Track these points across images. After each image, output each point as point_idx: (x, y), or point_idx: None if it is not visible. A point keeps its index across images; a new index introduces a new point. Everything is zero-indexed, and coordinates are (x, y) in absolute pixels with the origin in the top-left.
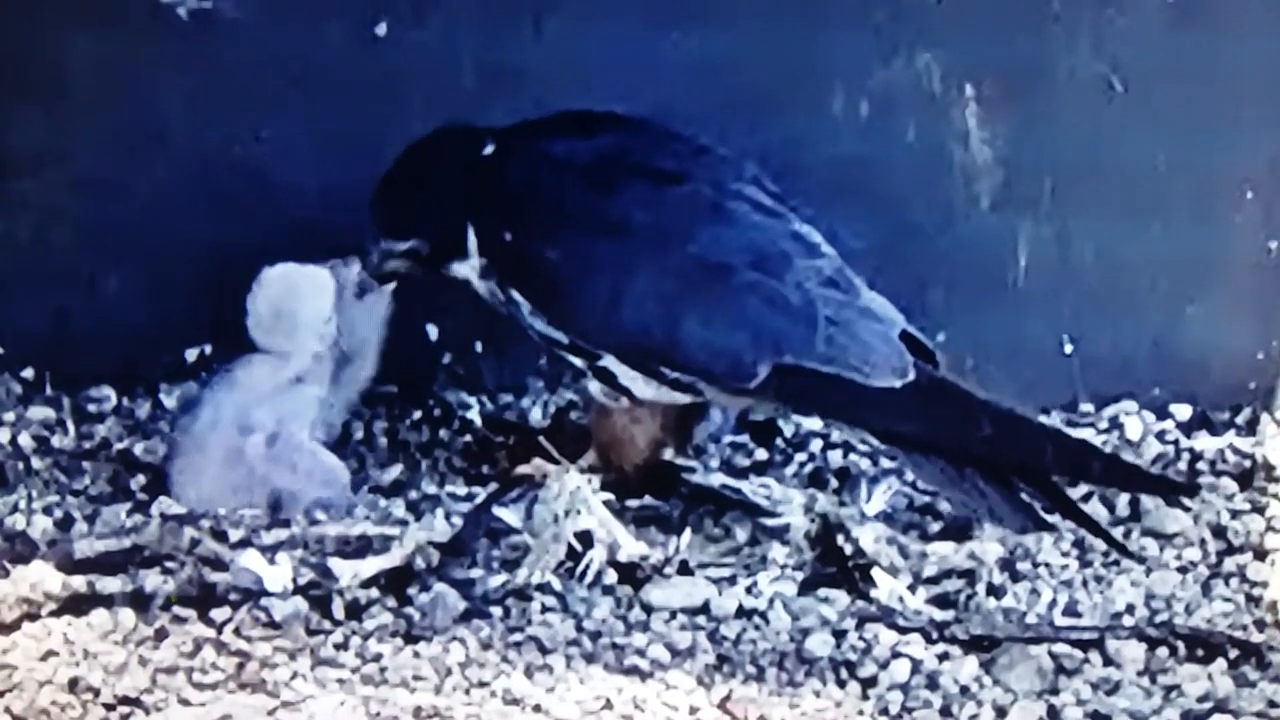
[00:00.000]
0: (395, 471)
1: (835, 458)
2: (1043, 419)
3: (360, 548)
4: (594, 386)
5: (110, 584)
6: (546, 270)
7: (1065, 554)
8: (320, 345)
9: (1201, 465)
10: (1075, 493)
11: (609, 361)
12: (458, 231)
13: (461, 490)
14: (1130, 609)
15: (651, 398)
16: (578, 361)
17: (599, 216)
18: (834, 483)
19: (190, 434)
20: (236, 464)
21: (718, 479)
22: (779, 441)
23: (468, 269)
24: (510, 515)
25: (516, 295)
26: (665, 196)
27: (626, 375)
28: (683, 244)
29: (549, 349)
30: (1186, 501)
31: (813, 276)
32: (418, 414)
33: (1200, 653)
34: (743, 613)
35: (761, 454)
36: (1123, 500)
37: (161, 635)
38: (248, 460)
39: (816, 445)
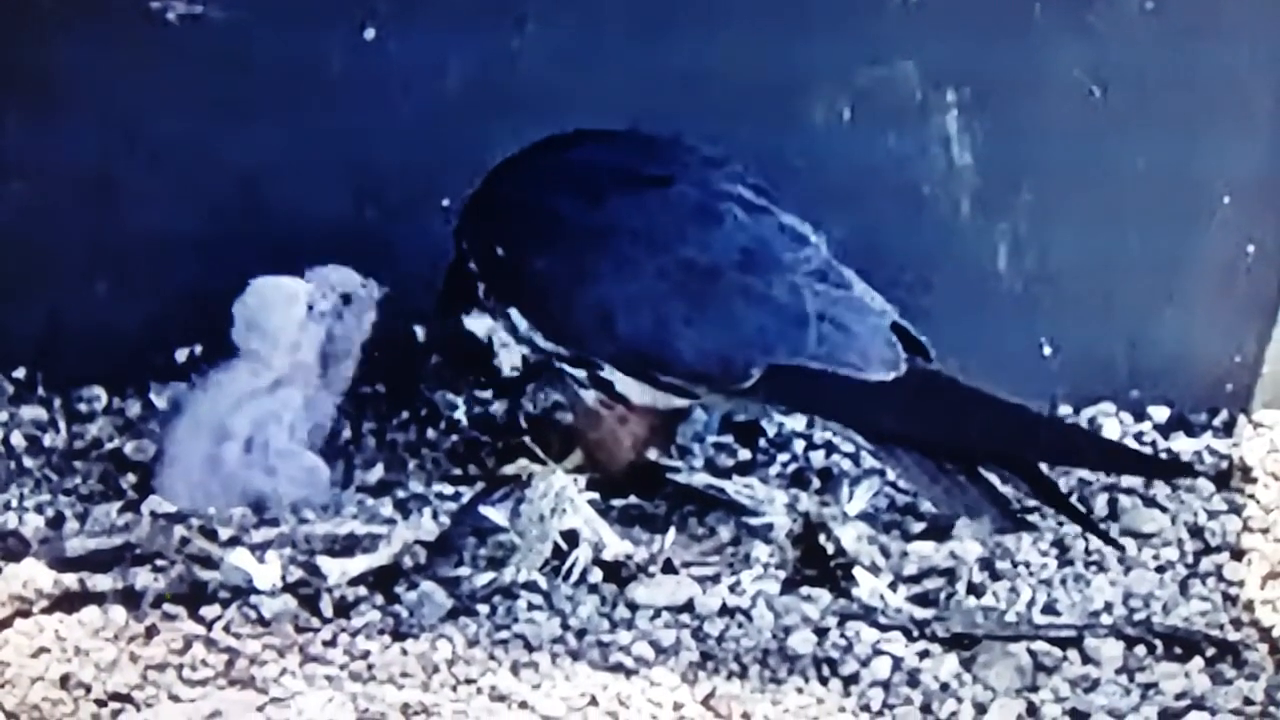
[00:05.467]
0: (382, 471)
1: (818, 458)
2: None
3: (348, 546)
4: (589, 394)
5: (101, 581)
6: (538, 283)
7: (1044, 553)
8: (292, 355)
9: None
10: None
11: (608, 371)
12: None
13: (448, 490)
14: (1108, 607)
15: (648, 403)
16: (578, 373)
17: (587, 225)
18: (816, 483)
19: (172, 439)
20: (216, 469)
21: (702, 479)
22: (762, 442)
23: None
24: (497, 514)
25: (513, 313)
26: (651, 200)
27: (623, 383)
28: (671, 247)
29: (549, 361)
30: (1164, 501)
31: (802, 270)
32: (405, 414)
33: (1178, 651)
34: (726, 611)
35: (745, 454)
36: (1101, 500)
37: (152, 632)
38: (226, 466)
39: (799, 446)
